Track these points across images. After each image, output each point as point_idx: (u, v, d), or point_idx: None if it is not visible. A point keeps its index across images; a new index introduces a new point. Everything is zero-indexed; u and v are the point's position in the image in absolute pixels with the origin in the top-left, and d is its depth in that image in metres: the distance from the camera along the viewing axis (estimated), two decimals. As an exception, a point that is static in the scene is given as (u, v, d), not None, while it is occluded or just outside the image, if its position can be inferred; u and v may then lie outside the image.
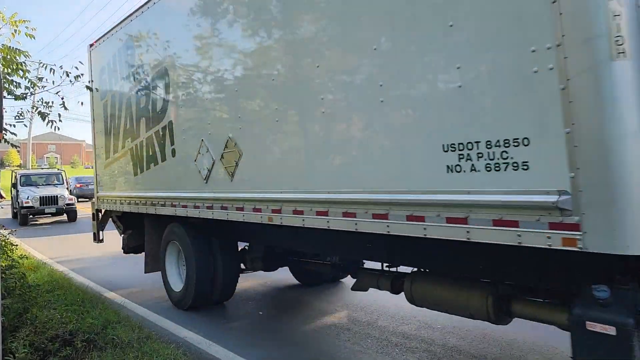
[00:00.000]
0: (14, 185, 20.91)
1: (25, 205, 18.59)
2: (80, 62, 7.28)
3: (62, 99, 7.21)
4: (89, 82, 7.36)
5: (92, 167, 8.88)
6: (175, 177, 5.86)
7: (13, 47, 6.96)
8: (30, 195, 18.83)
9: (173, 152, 5.87)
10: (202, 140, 5.25)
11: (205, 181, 5.22)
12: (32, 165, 47.80)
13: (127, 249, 7.68)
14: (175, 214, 5.79)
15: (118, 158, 7.53)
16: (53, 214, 19.65)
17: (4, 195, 25.68)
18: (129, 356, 4.15)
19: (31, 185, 20.34)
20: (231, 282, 5.96)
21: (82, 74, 7.27)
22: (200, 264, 5.75)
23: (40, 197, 18.86)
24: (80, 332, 4.66)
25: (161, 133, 6.09)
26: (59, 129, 7.20)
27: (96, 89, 7.97)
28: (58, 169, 24.57)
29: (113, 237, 13.18)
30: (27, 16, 7.13)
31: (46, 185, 20.55)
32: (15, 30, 7.13)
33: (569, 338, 2.56)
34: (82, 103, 7.78)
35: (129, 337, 4.61)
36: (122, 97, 7.26)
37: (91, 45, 8.29)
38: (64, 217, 19.76)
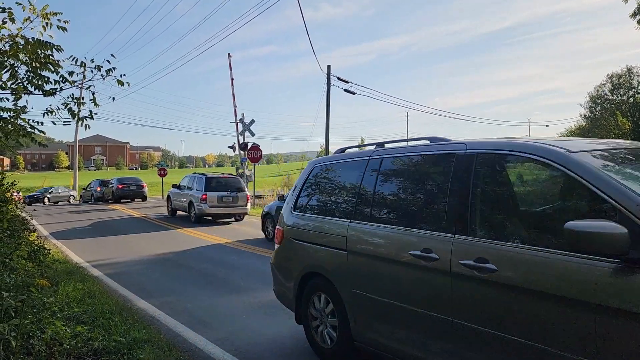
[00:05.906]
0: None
1: None
2: (112, 54, 6.82)
3: (94, 94, 6.77)
4: (121, 75, 6.84)
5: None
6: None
7: (43, 41, 6.57)
8: None
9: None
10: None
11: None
12: (79, 167, 49.02)
13: None
14: None
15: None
16: None
17: None
18: (155, 384, 3.56)
19: None
20: None
21: (114, 68, 6.80)
22: None
23: None
24: (104, 352, 4.12)
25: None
26: (89, 127, 6.76)
27: None
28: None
29: (142, 239, 12.93)
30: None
31: None
32: (47, 23, 6.75)
33: None
34: (113, 98, 7.17)
35: (157, 359, 4.03)
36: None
37: None
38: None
